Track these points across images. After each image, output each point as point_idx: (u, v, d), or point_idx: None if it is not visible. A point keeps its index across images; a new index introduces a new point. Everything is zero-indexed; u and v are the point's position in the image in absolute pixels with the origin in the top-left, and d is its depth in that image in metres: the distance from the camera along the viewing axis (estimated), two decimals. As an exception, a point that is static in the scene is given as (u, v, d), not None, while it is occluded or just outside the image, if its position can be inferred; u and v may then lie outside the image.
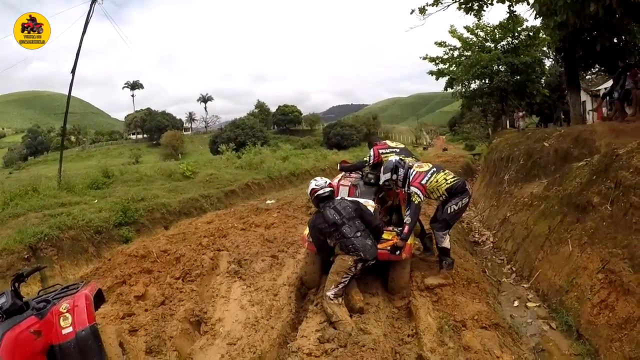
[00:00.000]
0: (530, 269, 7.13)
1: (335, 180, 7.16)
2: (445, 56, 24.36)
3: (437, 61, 24.42)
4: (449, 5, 13.20)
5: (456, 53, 24.27)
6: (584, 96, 19.17)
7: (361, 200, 5.96)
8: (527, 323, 5.77)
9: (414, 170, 6.08)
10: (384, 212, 6.96)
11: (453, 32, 23.62)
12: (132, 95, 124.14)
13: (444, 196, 5.98)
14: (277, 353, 4.59)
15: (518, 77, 22.67)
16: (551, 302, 5.99)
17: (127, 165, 24.43)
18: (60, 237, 9.07)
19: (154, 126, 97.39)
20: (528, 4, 11.97)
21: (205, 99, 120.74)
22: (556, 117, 32.97)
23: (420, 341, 4.66)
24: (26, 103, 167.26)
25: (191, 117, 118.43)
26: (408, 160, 6.58)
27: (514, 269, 7.76)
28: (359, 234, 5.28)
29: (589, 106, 22.10)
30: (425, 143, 75.32)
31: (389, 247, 5.58)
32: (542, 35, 20.58)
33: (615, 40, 13.43)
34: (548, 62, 25.72)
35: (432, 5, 13.26)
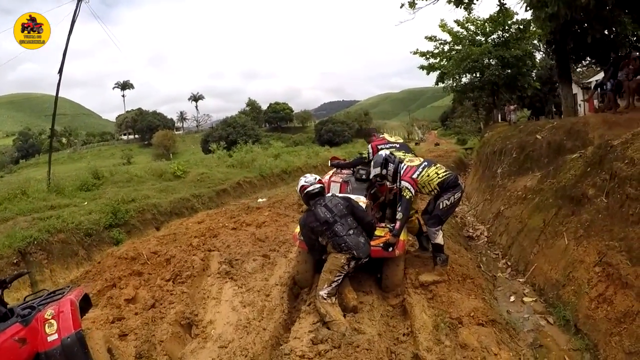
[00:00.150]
0: (526, 263, 7.06)
1: (327, 177, 7.03)
2: (436, 50, 24.29)
3: (428, 56, 24.36)
4: (438, -1, 13.11)
5: (447, 47, 24.22)
6: (575, 89, 19.11)
7: (353, 197, 5.83)
8: (524, 318, 5.69)
9: (404, 164, 5.95)
10: (376, 209, 6.84)
11: (443, 27, 23.55)
12: (123, 96, 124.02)
13: (435, 190, 5.85)
14: (269, 355, 4.45)
15: (509, 71, 22.64)
16: (548, 297, 5.91)
17: (117, 166, 24.24)
18: (50, 241, 8.95)
19: (145, 126, 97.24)
20: (518, -4, 11.89)
21: (196, 98, 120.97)
22: (547, 110, 33.06)
23: (416, 340, 4.55)
24: (16, 105, 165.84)
25: (182, 117, 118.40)
26: (400, 154, 6.45)
27: (509, 263, 7.69)
28: (351, 231, 5.16)
29: (580, 98, 22.11)
30: (417, 138, 75.61)
31: (382, 244, 5.47)
32: (532, 28, 20.54)
33: (606, 32, 13.39)
34: (539, 55, 25.74)
35: (422, -2, 13.16)
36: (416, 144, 61.20)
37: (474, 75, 23.99)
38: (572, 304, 5.23)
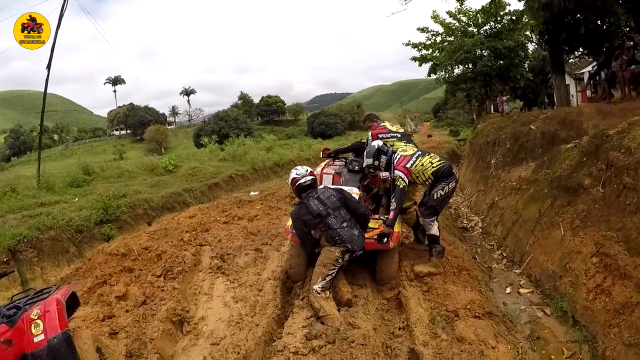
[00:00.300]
0: (522, 254, 6.99)
1: (319, 169, 6.91)
2: (428, 42, 24.16)
3: (420, 47, 24.22)
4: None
5: (439, 38, 24.10)
6: (567, 79, 19.11)
7: (345, 188, 5.73)
8: (521, 310, 5.62)
9: (398, 154, 5.86)
10: (369, 200, 6.74)
11: (435, 18, 23.43)
12: (114, 91, 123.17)
13: (430, 180, 5.75)
14: (262, 352, 4.36)
15: (501, 62, 22.56)
16: (544, 288, 5.84)
17: (109, 162, 24.07)
18: (40, 238, 8.86)
19: (137, 121, 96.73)
20: (512, -15, 11.82)
21: (188, 92, 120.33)
22: (540, 101, 33.09)
23: (412, 334, 4.47)
24: (7, 103, 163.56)
25: (174, 111, 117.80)
26: (402, 144, 6.32)
27: (504, 254, 7.63)
28: (345, 224, 5.05)
29: (572, 89, 22.11)
30: (409, 130, 75.50)
31: (375, 236, 5.37)
32: (525, 19, 20.49)
33: (599, 23, 13.34)
34: (531, 46, 25.73)
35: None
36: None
37: (467, 66, 23.90)
38: (570, 295, 5.17)
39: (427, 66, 24.82)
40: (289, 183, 5.56)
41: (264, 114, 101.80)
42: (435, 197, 5.70)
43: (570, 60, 24.33)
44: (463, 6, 23.01)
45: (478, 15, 22.87)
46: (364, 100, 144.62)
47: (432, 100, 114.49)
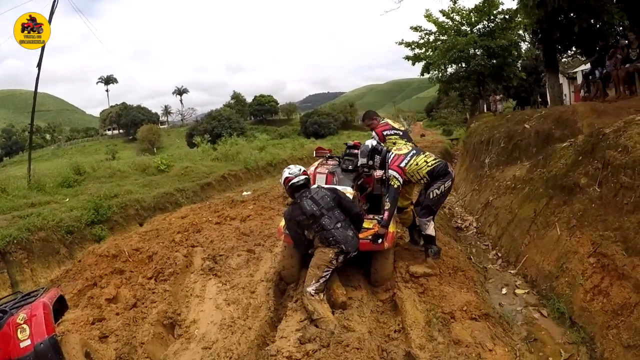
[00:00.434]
0: (517, 254, 6.95)
1: (312, 168, 6.82)
2: (421, 41, 24.08)
3: (413, 46, 24.14)
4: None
5: (432, 37, 24.00)
6: (560, 79, 19.15)
7: (339, 188, 5.64)
8: (517, 311, 5.58)
9: (392, 153, 5.78)
10: (363, 200, 6.66)
11: (429, 17, 23.35)
12: (107, 90, 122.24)
13: (425, 179, 5.67)
14: (255, 356, 4.25)
15: (495, 61, 22.52)
16: (541, 289, 5.80)
17: (101, 162, 23.85)
18: (30, 240, 8.69)
19: (129, 121, 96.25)
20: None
21: (180, 92, 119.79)
22: (533, 100, 33.13)
23: (408, 337, 4.39)
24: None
25: (167, 111, 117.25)
26: (402, 142, 6.23)
27: (499, 254, 7.59)
28: (339, 225, 4.96)
29: (565, 88, 22.16)
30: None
31: (370, 237, 5.28)
32: (518, 18, 20.49)
33: (592, 22, 13.33)
34: (524, 46, 25.71)
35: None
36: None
37: (460, 65, 23.86)
38: (567, 296, 5.13)
39: (420, 65, 24.78)
40: (282, 182, 5.46)
41: (256, 113, 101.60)
42: (431, 196, 5.63)
43: (563, 60, 24.37)
44: (456, 5, 22.94)
45: (471, 14, 22.82)
46: (357, 100, 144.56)
47: (425, 100, 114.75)
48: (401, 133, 6.47)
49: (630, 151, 5.18)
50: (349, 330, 4.43)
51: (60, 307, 4.07)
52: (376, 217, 5.74)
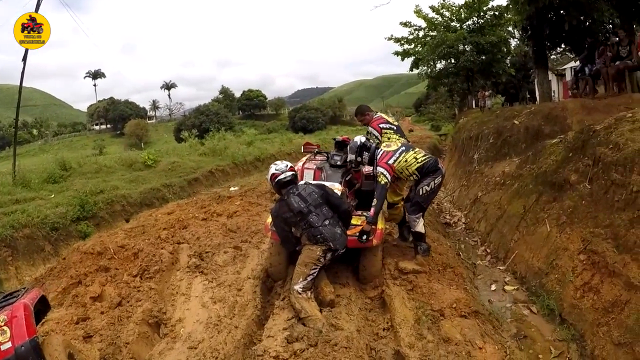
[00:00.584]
0: (506, 250, 6.91)
1: (300, 164, 6.73)
2: (411, 36, 24.17)
3: (403, 42, 24.21)
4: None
5: (421, 33, 24.11)
6: (549, 75, 19.21)
7: (327, 184, 5.54)
8: (507, 308, 5.54)
9: (381, 149, 5.70)
10: (351, 196, 6.58)
11: (418, 12, 23.41)
12: (94, 85, 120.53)
13: (414, 176, 5.61)
14: (242, 355, 4.14)
15: (484, 57, 22.66)
16: (530, 285, 5.76)
17: (88, 157, 23.56)
18: (15, 237, 8.53)
19: (117, 116, 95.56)
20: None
21: (168, 86, 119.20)
22: (521, 96, 33.38)
23: (397, 335, 4.31)
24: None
25: (155, 105, 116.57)
26: (396, 137, 6.20)
27: (488, 250, 7.55)
28: (327, 222, 4.86)
29: (554, 85, 22.27)
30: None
31: (357, 234, 5.20)
32: (507, 15, 20.58)
33: (582, 19, 13.36)
34: (513, 42, 25.84)
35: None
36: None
37: (449, 61, 23.99)
38: (556, 292, 5.09)
39: (409, 61, 24.85)
40: (268, 179, 5.35)
41: (245, 108, 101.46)
42: (420, 192, 5.57)
43: (552, 57, 24.50)
44: (446, 1, 23.08)
45: (461, 10, 22.94)
46: (345, 95, 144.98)
47: (414, 95, 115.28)
48: (395, 128, 6.40)
49: (621, 148, 5.13)
50: (337, 328, 4.33)
51: (42, 308, 3.94)
52: (365, 213, 5.65)
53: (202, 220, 8.58)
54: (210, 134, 28.11)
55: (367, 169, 5.97)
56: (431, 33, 23.76)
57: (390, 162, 5.51)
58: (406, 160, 5.54)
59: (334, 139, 7.24)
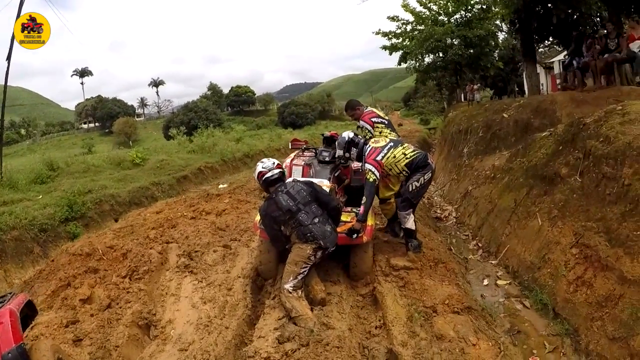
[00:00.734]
0: (498, 244, 6.88)
1: (288, 160, 6.65)
2: (398, 31, 24.01)
3: (390, 36, 24.06)
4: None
5: (409, 27, 23.96)
6: (537, 68, 19.27)
7: (316, 181, 5.48)
8: (499, 302, 5.50)
9: (369, 145, 5.63)
10: (341, 192, 6.51)
11: (406, 7, 23.29)
12: (82, 83, 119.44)
13: (404, 173, 5.55)
14: (233, 357, 4.08)
15: (472, 50, 22.64)
16: (522, 280, 5.73)
17: (76, 157, 23.33)
18: (2, 239, 8.43)
19: (105, 114, 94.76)
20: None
21: (156, 84, 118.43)
22: (510, 89, 33.50)
23: (390, 333, 4.25)
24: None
25: (143, 103, 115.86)
26: (387, 131, 6.14)
27: (480, 244, 7.52)
28: (316, 220, 4.79)
29: (542, 78, 22.34)
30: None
31: (346, 231, 5.14)
32: (495, 8, 20.55)
33: (569, 12, 13.37)
34: (501, 36, 25.87)
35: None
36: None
37: (437, 55, 23.95)
38: (549, 287, 5.06)
39: (397, 55, 24.75)
40: (256, 177, 5.27)
41: (233, 104, 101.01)
42: (410, 189, 5.50)
43: (540, 50, 24.56)
44: (433, -5, 22.95)
45: (449, 3, 22.83)
46: (334, 90, 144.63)
47: (402, 89, 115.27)
48: (386, 122, 6.32)
49: (612, 141, 5.10)
50: (329, 327, 4.29)
51: (29, 313, 3.86)
52: (354, 210, 5.59)
53: (191, 219, 8.46)
54: (198, 130, 27.86)
55: (356, 164, 5.91)
56: (419, 27, 23.63)
57: (379, 158, 5.44)
58: (395, 157, 5.48)
59: (322, 135, 7.17)
